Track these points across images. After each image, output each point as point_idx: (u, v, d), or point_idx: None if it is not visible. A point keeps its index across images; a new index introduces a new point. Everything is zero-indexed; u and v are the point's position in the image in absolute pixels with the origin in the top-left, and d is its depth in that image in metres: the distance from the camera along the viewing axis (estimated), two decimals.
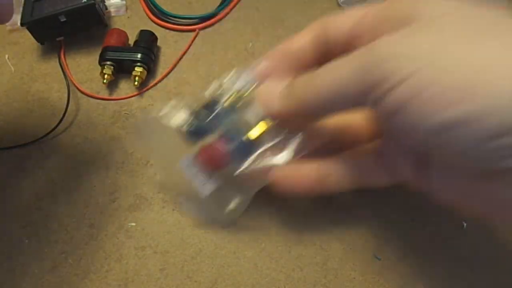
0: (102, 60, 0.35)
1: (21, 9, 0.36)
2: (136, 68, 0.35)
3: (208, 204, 0.28)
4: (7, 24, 0.39)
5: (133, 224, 0.30)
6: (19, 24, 0.35)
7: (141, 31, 0.37)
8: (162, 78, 0.36)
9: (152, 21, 0.40)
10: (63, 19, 0.35)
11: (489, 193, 0.22)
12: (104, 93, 0.35)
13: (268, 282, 0.28)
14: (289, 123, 0.26)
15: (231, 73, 0.27)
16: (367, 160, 0.27)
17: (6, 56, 0.38)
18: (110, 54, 0.35)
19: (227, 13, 0.40)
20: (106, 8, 0.39)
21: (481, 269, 0.28)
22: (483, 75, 0.18)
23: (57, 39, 0.37)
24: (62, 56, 0.37)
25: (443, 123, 0.19)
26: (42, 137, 0.33)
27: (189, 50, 0.38)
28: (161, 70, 0.37)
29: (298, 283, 0.28)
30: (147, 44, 0.36)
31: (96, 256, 0.29)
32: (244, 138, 0.26)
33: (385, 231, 0.30)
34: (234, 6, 0.40)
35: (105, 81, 0.34)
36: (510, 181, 0.20)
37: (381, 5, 0.24)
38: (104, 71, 0.34)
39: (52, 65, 0.37)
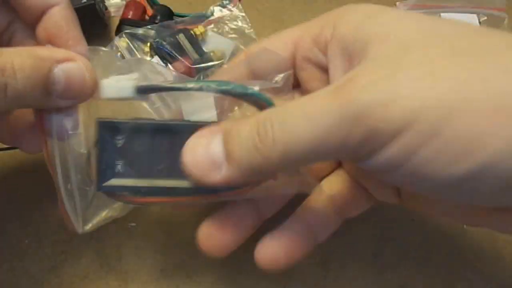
0: (118, 33, 0.36)
1: None
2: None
3: None
4: None
5: (133, 224, 0.30)
6: None
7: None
8: None
9: None
10: None
11: (490, 219, 0.21)
12: None
13: (268, 282, 0.28)
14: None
15: None
16: (344, 196, 0.25)
17: None
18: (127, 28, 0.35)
19: None
20: (106, 8, 0.38)
21: (481, 269, 0.28)
22: (488, 120, 0.15)
23: None
24: None
25: (448, 179, 0.16)
26: None
27: None
28: None
29: (298, 283, 0.28)
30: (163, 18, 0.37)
31: (96, 256, 0.29)
32: None
33: (385, 231, 0.30)
34: (234, 6, 0.40)
35: (118, 53, 0.35)
36: None
37: (316, 25, 0.23)
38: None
39: None
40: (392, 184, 0.22)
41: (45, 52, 0.21)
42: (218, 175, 0.20)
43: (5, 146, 0.33)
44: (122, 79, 0.22)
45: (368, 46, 0.19)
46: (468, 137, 0.15)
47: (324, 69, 0.23)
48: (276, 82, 0.23)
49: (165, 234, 0.30)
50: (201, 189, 0.21)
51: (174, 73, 0.23)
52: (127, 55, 0.35)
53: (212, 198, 0.22)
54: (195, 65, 0.34)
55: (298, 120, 0.18)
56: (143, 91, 0.22)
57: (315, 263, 0.29)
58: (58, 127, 0.22)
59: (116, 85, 0.22)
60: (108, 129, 0.22)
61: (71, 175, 0.22)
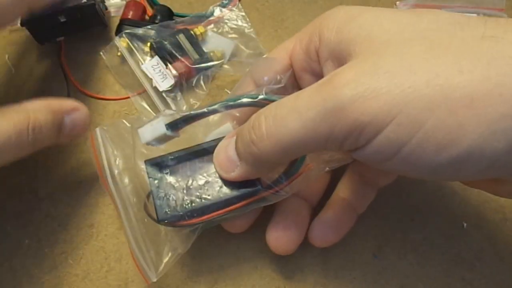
0: (118, 33, 0.36)
1: None
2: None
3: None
4: None
5: None
6: (19, 24, 0.35)
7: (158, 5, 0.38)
8: None
9: None
10: (63, 19, 0.35)
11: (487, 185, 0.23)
12: (104, 93, 0.35)
13: (268, 282, 0.28)
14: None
15: None
16: (358, 183, 0.27)
17: (6, 56, 0.38)
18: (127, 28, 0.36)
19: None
20: (106, 8, 0.38)
21: (481, 269, 0.28)
22: (466, 109, 0.16)
23: (57, 39, 0.36)
24: (62, 56, 0.37)
25: (437, 165, 0.17)
26: None
27: None
28: None
29: (298, 283, 0.28)
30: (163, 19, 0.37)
31: (96, 256, 0.29)
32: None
33: (385, 231, 0.30)
34: (234, 6, 0.40)
35: (118, 53, 0.35)
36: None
37: (306, 34, 0.24)
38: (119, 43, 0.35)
39: (52, 65, 0.37)
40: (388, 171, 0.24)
41: (57, 105, 0.26)
42: (235, 171, 0.22)
43: None
44: (152, 122, 0.24)
45: (350, 48, 0.20)
46: (449, 127, 0.16)
47: (320, 76, 0.24)
48: (280, 82, 0.24)
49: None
50: (246, 194, 0.24)
51: (167, 111, 0.26)
52: (127, 55, 0.35)
53: (258, 199, 0.24)
54: (195, 65, 0.34)
55: (286, 113, 0.19)
56: (173, 125, 0.24)
57: (315, 263, 0.29)
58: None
59: (150, 128, 0.24)
60: (155, 166, 0.25)
61: (136, 226, 0.26)
